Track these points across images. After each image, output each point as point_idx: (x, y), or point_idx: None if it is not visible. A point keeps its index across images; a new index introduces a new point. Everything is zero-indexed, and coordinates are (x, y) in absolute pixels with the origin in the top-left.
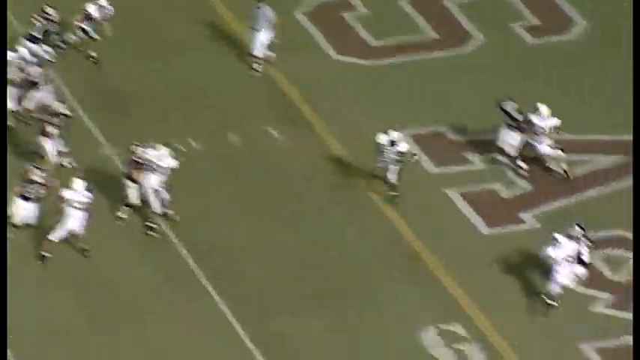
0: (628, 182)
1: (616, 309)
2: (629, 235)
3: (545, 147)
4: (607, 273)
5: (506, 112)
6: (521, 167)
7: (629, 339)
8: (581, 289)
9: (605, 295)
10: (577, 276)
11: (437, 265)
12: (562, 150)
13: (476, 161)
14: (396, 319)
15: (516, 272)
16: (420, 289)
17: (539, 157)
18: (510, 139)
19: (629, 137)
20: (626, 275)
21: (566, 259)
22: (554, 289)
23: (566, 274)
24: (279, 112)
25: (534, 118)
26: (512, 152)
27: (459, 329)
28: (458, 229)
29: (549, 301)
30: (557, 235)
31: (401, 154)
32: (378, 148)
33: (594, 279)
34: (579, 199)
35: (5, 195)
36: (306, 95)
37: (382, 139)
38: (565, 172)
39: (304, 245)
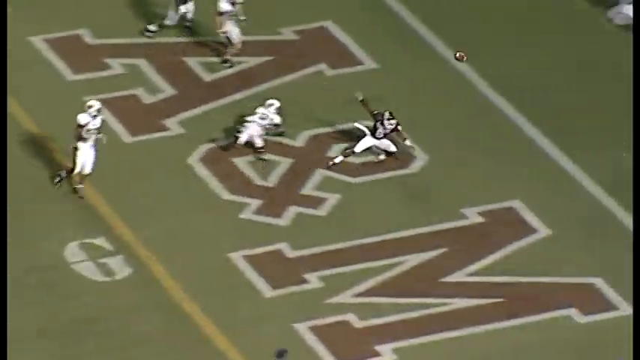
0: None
1: (265, 215)
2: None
3: None
4: (255, 178)
5: None
6: None
7: (280, 245)
8: (231, 197)
9: (254, 202)
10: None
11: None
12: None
13: (115, 65)
14: (39, 236)
15: (159, 181)
16: (60, 205)
17: None
18: None
19: (275, 37)
20: (273, 180)
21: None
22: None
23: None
24: None
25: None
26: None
27: (103, 242)
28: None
29: None
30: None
31: None
32: None
33: (243, 185)
34: (223, 103)
35: (5, 194)
36: None
37: None
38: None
39: None
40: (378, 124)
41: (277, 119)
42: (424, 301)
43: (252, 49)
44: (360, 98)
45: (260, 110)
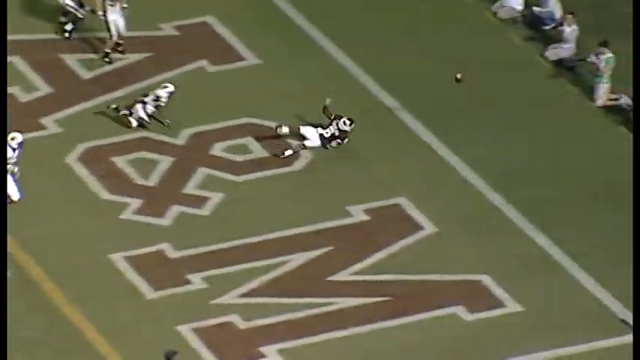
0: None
1: (146, 215)
2: (152, 134)
3: None
4: (136, 178)
5: None
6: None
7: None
8: (111, 197)
9: (134, 201)
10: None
11: None
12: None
13: None
14: None
15: (36, 181)
16: None
17: None
18: None
19: (155, 33)
20: (154, 179)
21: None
22: None
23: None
24: None
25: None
26: None
27: None
28: None
29: None
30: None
31: None
32: None
33: (123, 185)
34: (102, 101)
35: (5, 195)
36: None
37: None
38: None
39: None
40: (334, 123)
41: (164, 95)
42: (309, 301)
43: (131, 45)
44: (327, 103)
45: (154, 92)
